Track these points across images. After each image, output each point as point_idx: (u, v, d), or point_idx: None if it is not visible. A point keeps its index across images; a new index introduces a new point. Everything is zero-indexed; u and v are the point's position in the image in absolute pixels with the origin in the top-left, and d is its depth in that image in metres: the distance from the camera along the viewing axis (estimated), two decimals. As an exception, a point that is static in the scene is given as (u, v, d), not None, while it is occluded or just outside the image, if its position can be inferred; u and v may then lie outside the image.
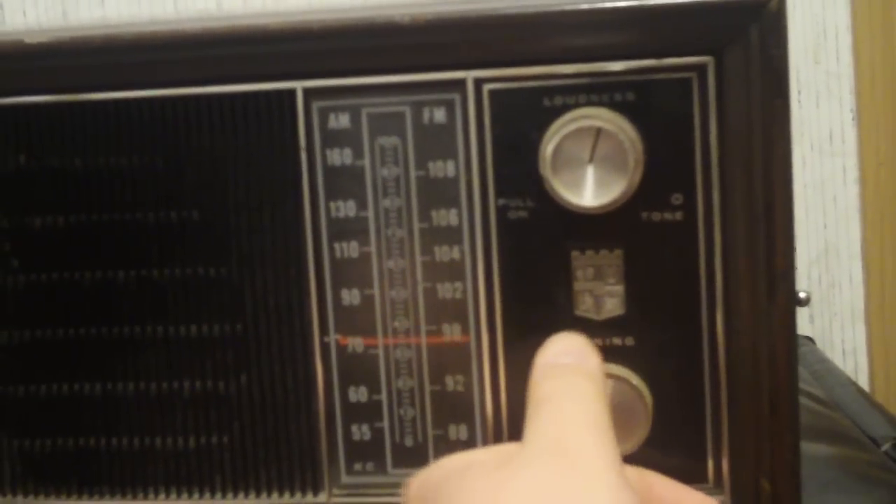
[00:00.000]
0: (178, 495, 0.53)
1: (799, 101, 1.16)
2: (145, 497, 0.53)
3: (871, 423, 0.95)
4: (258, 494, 0.52)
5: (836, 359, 1.12)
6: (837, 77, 1.18)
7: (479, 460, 0.39)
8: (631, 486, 0.36)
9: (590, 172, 0.46)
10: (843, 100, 1.19)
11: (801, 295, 0.51)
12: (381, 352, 0.51)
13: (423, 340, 0.50)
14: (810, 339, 1.17)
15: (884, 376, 1.23)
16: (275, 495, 0.52)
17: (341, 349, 0.51)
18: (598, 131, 0.46)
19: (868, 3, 1.15)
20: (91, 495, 0.54)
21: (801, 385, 1.00)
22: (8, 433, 0.54)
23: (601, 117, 0.46)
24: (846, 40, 1.18)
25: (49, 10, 1.14)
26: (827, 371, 1.09)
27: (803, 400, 0.95)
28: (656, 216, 0.48)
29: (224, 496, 0.53)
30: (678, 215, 0.47)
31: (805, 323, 1.15)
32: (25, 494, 0.54)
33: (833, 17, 1.18)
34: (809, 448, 0.86)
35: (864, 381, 1.18)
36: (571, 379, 0.41)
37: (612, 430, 0.39)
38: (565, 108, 0.47)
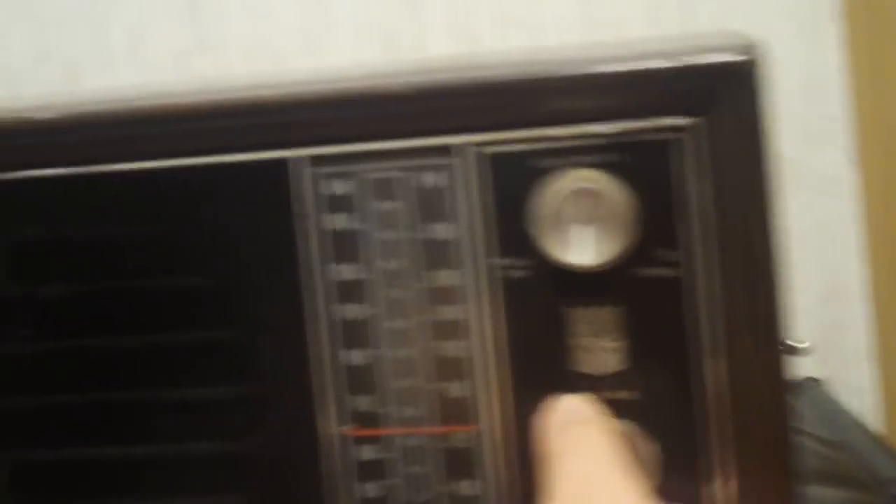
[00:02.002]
0: (192, 557, 0.54)
1: (793, 146, 1.17)
2: (160, 560, 0.54)
3: (880, 465, 0.95)
4: (270, 555, 0.53)
5: (845, 400, 1.13)
6: (832, 119, 1.20)
7: None
8: None
9: (585, 233, 0.47)
10: (839, 142, 1.20)
11: (801, 345, 0.51)
12: (387, 410, 0.51)
13: (430, 398, 0.51)
14: (818, 381, 1.18)
15: (895, 416, 1.23)
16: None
17: (347, 409, 0.52)
18: (593, 193, 0.47)
19: (860, 44, 1.16)
20: (106, 559, 0.55)
21: (809, 428, 1.00)
22: (28, 500, 0.55)
23: (594, 179, 0.47)
24: (839, 83, 1.19)
25: (62, 74, 1.16)
26: (835, 413, 1.09)
27: (811, 443, 0.95)
28: (653, 273, 0.49)
29: (236, 557, 0.54)
30: (671, 272, 0.48)
31: (813, 365, 1.15)
32: (41, 560, 0.55)
33: (825, 60, 1.20)
34: (818, 492, 0.86)
35: (873, 422, 1.18)
36: (585, 430, 0.42)
37: (633, 472, 0.39)
38: (559, 170, 0.48)
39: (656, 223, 0.48)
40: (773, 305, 0.48)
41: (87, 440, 0.54)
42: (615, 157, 0.48)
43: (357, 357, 0.51)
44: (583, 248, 0.47)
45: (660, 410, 0.49)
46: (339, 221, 0.51)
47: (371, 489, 0.52)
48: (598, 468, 0.39)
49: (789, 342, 0.49)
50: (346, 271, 0.51)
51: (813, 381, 1.15)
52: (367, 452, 0.52)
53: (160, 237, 0.53)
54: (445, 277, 0.50)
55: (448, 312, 0.51)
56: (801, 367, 0.50)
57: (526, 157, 0.49)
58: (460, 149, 0.50)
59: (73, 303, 0.54)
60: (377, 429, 0.52)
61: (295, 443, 0.53)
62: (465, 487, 0.52)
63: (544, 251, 0.48)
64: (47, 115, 0.53)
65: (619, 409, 0.49)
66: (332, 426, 0.52)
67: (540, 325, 0.50)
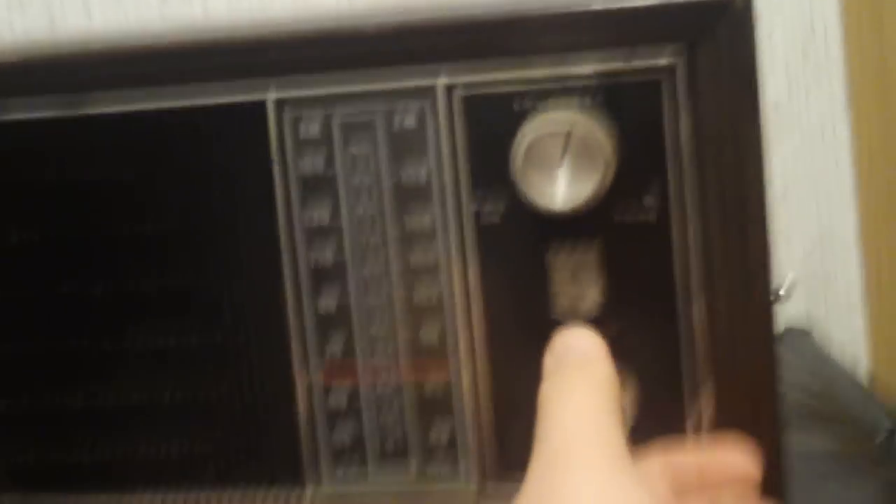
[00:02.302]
0: (163, 502, 0.53)
1: (789, 96, 1.15)
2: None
3: (868, 414, 0.94)
4: (241, 501, 0.52)
5: (834, 350, 1.12)
6: (828, 71, 1.18)
7: None
8: (639, 482, 0.35)
9: (561, 175, 0.46)
10: (834, 93, 1.19)
11: (782, 292, 0.50)
12: (359, 357, 0.51)
13: (402, 344, 0.50)
14: (807, 332, 1.17)
15: (884, 366, 1.22)
16: (258, 501, 0.52)
17: (320, 355, 0.51)
18: (569, 134, 0.46)
19: (858, -6, 1.14)
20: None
21: (797, 377, 0.99)
22: (-8, 447, 0.55)
23: (571, 120, 0.46)
24: (835, 34, 1.17)
25: (37, 18, 1.14)
26: (823, 363, 1.08)
27: (798, 393, 0.95)
28: (630, 217, 0.47)
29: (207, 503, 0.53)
30: (652, 216, 0.47)
31: (801, 315, 1.14)
32: (11, 506, 0.55)
33: (821, 12, 1.18)
34: (805, 440, 0.85)
35: (862, 372, 1.18)
36: (572, 374, 0.41)
37: (618, 422, 0.38)
38: (535, 111, 0.47)
39: (637, 165, 0.47)
40: (758, 251, 0.47)
41: (53, 388, 0.54)
42: (596, 97, 0.47)
43: (330, 303, 0.50)
44: (561, 191, 0.46)
45: (638, 356, 0.48)
46: (314, 165, 0.50)
47: (344, 436, 0.51)
48: (580, 428, 0.37)
49: (775, 288, 0.48)
50: (320, 216, 0.50)
51: (801, 331, 1.14)
52: (341, 399, 0.51)
53: (133, 181, 0.52)
54: (418, 221, 0.49)
55: (421, 257, 0.50)
56: (788, 316, 0.49)
57: (503, 98, 0.48)
58: (436, 90, 0.48)
59: (39, 247, 0.53)
60: (350, 375, 0.51)
61: (267, 390, 0.52)
62: (437, 434, 0.51)
63: (521, 194, 0.47)
64: (18, 56, 0.52)
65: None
66: (306, 373, 0.51)
67: (515, 270, 0.49)
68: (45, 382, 0.54)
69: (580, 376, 0.41)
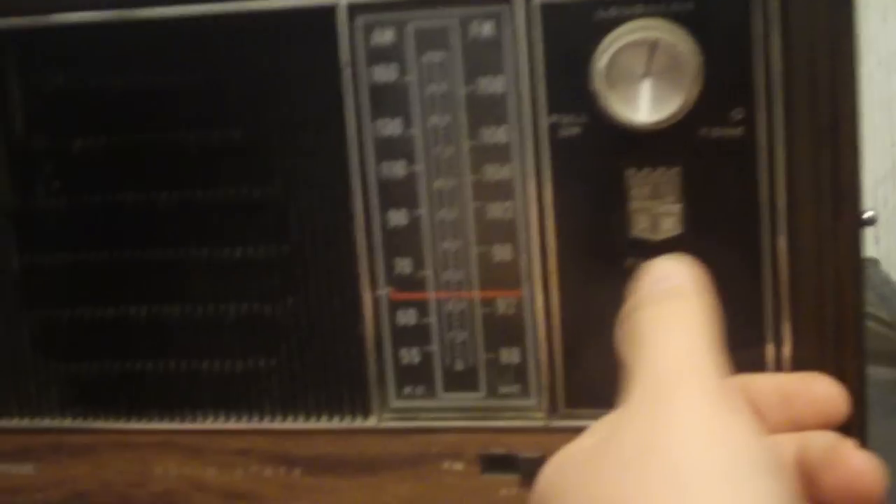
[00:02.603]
0: (226, 418, 0.53)
1: (865, 18, 1.11)
2: (193, 420, 0.53)
3: (938, 346, 0.92)
4: (307, 418, 0.52)
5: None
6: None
7: (587, 443, 0.36)
8: (752, 421, 0.33)
9: (645, 87, 0.44)
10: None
11: (867, 214, 0.48)
12: (429, 273, 0.49)
13: (474, 262, 0.49)
14: (876, 261, 1.15)
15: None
16: (323, 419, 0.52)
17: (389, 271, 0.50)
18: (655, 43, 0.44)
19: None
20: (139, 417, 0.53)
21: (867, 308, 0.98)
22: (55, 357, 0.54)
23: (658, 28, 0.44)
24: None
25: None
26: (893, 293, 1.06)
27: (869, 323, 0.93)
28: (716, 132, 0.45)
29: (272, 419, 0.52)
30: (738, 131, 0.45)
31: (870, 244, 1.12)
32: (74, 417, 0.54)
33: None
34: (875, 372, 0.84)
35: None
36: (669, 305, 0.39)
37: (716, 355, 0.36)
38: (620, 20, 0.45)
39: (724, 79, 0.45)
40: (849, 171, 0.45)
41: (116, 300, 0.53)
42: (683, 6, 0.45)
43: (400, 217, 0.49)
44: (644, 105, 0.44)
45: (716, 281, 0.47)
46: (386, 74, 0.48)
47: (411, 355, 0.50)
48: (673, 366, 0.35)
49: (861, 213, 0.46)
50: (391, 127, 0.48)
51: (870, 260, 1.12)
52: (408, 317, 0.50)
53: (199, 88, 0.51)
54: (493, 134, 0.47)
55: (494, 172, 0.48)
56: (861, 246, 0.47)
57: (584, 7, 0.46)
58: (513, -4, 0.46)
59: (105, 156, 0.52)
60: (418, 292, 0.50)
61: (333, 306, 0.51)
62: (505, 355, 0.50)
63: (601, 108, 0.45)
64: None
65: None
66: (373, 289, 0.50)
67: (591, 187, 0.47)
68: (108, 294, 0.53)
69: (685, 306, 0.38)
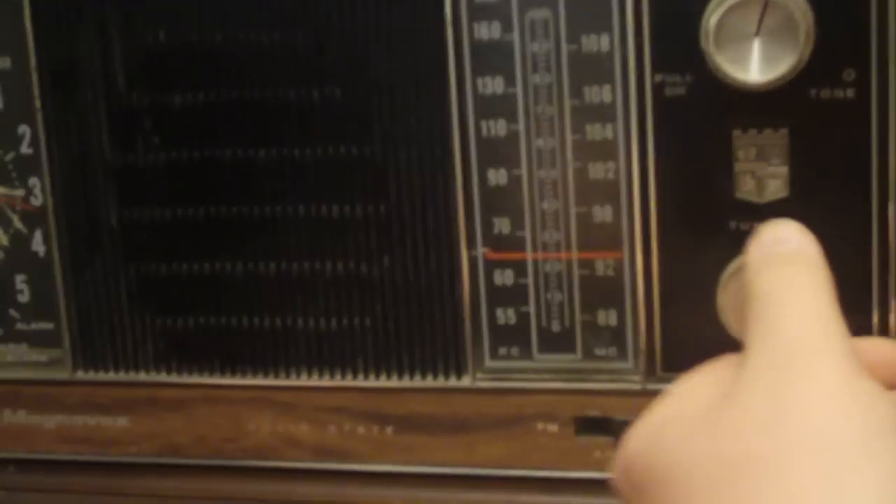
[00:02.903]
0: (320, 375, 0.53)
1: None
2: (287, 376, 0.53)
3: None
4: (400, 376, 0.52)
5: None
6: None
7: (692, 406, 0.35)
8: (871, 378, 0.33)
9: (756, 46, 0.43)
10: None
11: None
12: (527, 234, 0.49)
13: (573, 222, 0.48)
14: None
15: None
16: (417, 377, 0.52)
17: (486, 231, 0.49)
18: (766, 2, 0.43)
19: None
20: (233, 373, 0.54)
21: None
22: (152, 311, 0.55)
23: (771, -14, 0.43)
24: None
25: None
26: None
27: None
28: (826, 93, 0.45)
29: (366, 377, 0.52)
30: (850, 93, 0.44)
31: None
32: (169, 372, 0.55)
33: None
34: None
35: None
36: (791, 269, 0.38)
37: (840, 321, 0.35)
38: (731, -23, 0.44)
39: (837, 39, 0.44)
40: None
41: (212, 256, 0.53)
42: (797, -38, 0.44)
43: (499, 177, 0.49)
44: (755, 64, 0.43)
45: (824, 247, 0.46)
46: (489, 31, 0.48)
47: (507, 315, 0.50)
48: (800, 328, 0.34)
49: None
50: (493, 85, 0.48)
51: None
52: (505, 277, 0.50)
53: (299, 45, 0.50)
54: (597, 93, 0.47)
55: (597, 131, 0.48)
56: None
57: (691, -36, 0.45)
58: (621, -48, 0.46)
59: (204, 113, 0.52)
60: (516, 252, 0.49)
61: (430, 265, 0.51)
62: (602, 317, 0.49)
63: (709, 66, 0.44)
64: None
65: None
66: (470, 249, 0.50)
67: (696, 148, 0.46)
68: (205, 250, 0.53)
69: (807, 270, 0.38)
